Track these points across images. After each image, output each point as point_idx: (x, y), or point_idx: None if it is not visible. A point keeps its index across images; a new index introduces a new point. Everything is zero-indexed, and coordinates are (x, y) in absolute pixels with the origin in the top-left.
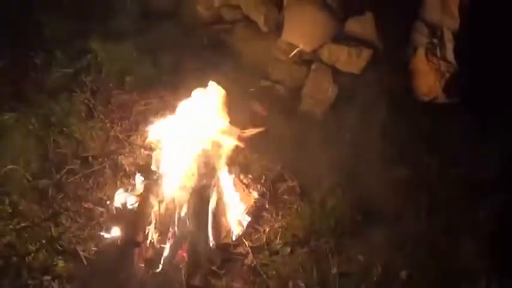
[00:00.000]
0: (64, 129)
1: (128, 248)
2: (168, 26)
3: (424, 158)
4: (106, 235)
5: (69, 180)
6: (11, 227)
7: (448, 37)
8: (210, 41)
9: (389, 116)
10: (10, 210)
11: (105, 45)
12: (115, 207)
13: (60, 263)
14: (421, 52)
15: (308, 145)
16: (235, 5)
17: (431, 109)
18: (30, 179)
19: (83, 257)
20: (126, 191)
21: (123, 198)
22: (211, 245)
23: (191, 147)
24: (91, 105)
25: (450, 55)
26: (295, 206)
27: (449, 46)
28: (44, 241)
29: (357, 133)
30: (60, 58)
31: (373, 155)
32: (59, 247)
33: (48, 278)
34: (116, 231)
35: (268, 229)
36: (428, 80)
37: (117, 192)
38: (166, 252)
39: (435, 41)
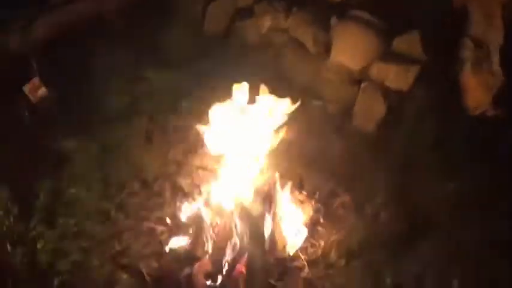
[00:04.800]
0: (123, 154)
1: (188, 263)
2: (219, 51)
3: (475, 170)
4: (167, 251)
5: (130, 202)
6: (76, 245)
7: (494, 50)
8: (261, 65)
9: (438, 130)
10: (75, 229)
11: (159, 73)
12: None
13: (124, 277)
14: (467, 67)
15: (360, 161)
16: (283, 29)
17: (481, 122)
18: (93, 201)
19: (145, 273)
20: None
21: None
22: (268, 259)
23: (248, 164)
24: (149, 131)
25: (497, 68)
26: (349, 221)
27: (495, 59)
28: (107, 257)
29: (408, 148)
30: (117, 87)
31: (424, 168)
32: (122, 263)
33: None
34: (176, 247)
35: (323, 243)
36: (476, 94)
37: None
38: (225, 266)
39: (481, 55)
